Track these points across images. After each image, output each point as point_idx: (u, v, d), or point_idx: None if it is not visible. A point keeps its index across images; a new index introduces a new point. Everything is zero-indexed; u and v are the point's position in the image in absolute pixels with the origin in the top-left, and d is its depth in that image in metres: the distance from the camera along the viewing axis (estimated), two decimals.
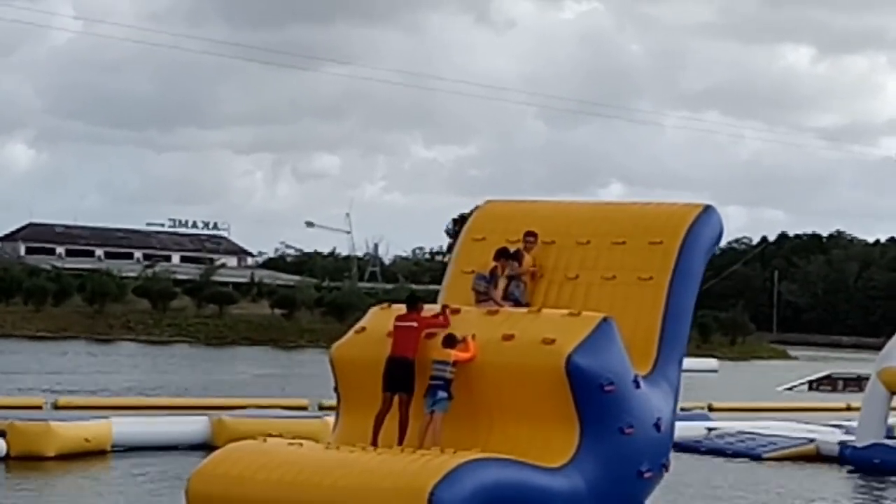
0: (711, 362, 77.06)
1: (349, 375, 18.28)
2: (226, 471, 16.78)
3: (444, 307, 18.13)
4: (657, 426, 17.91)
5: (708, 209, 19.45)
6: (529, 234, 19.32)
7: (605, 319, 17.41)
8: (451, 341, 17.31)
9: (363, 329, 18.47)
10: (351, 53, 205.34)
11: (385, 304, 18.99)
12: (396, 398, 17.40)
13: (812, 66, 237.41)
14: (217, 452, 17.52)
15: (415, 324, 17.54)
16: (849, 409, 43.58)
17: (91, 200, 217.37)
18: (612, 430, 17.25)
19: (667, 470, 18.43)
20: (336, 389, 18.39)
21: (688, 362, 20.35)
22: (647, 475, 17.90)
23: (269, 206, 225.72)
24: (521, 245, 19.29)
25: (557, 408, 17.03)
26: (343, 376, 18.38)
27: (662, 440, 18.18)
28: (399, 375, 17.31)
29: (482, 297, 18.75)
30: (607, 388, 17.08)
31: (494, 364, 17.30)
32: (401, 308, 18.08)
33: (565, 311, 17.84)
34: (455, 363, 17.16)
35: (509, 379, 17.23)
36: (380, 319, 18.43)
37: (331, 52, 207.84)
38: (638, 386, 17.61)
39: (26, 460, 24.19)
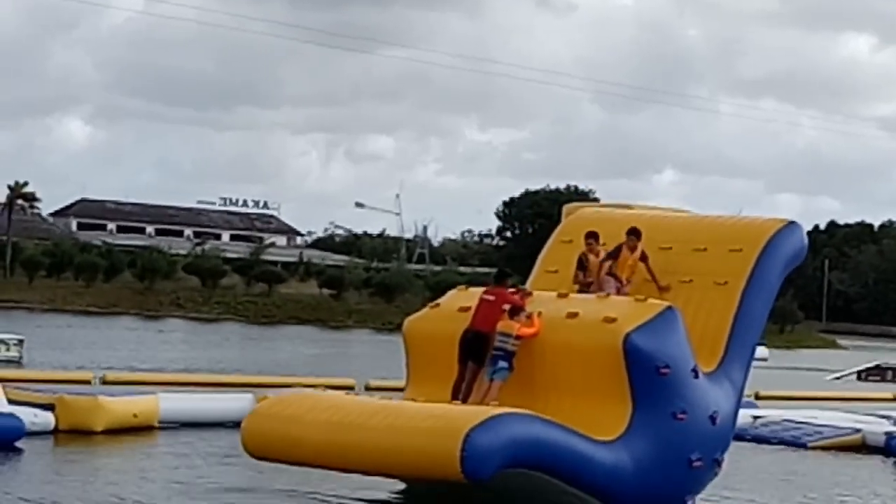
0: (762, 351, 76.67)
1: (419, 348, 18.89)
2: (279, 411, 17.63)
3: (523, 290, 18.50)
4: (713, 419, 18.10)
5: (791, 224, 19.81)
6: (589, 234, 19.76)
7: (669, 307, 17.75)
8: (515, 312, 17.64)
9: (437, 305, 19.12)
10: (409, 36, 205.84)
11: (463, 286, 19.72)
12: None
13: (872, 55, 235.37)
14: (274, 396, 18.17)
15: (493, 298, 17.93)
16: None
17: (145, 178, 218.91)
18: (665, 412, 17.48)
19: (720, 466, 18.51)
20: (406, 363, 18.83)
21: None
22: (696, 464, 17.99)
23: (323, 187, 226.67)
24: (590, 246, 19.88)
25: (612, 385, 17.39)
26: (414, 349, 19.00)
27: (718, 434, 18.34)
28: (473, 347, 17.75)
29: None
30: (663, 371, 17.32)
31: (556, 339, 17.78)
32: (479, 291, 18.52)
33: (632, 298, 18.18)
34: (518, 337, 17.50)
35: (569, 354, 17.65)
36: (455, 298, 19.12)
37: (389, 34, 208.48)
38: (696, 376, 17.79)
39: (74, 434, 24.41)
